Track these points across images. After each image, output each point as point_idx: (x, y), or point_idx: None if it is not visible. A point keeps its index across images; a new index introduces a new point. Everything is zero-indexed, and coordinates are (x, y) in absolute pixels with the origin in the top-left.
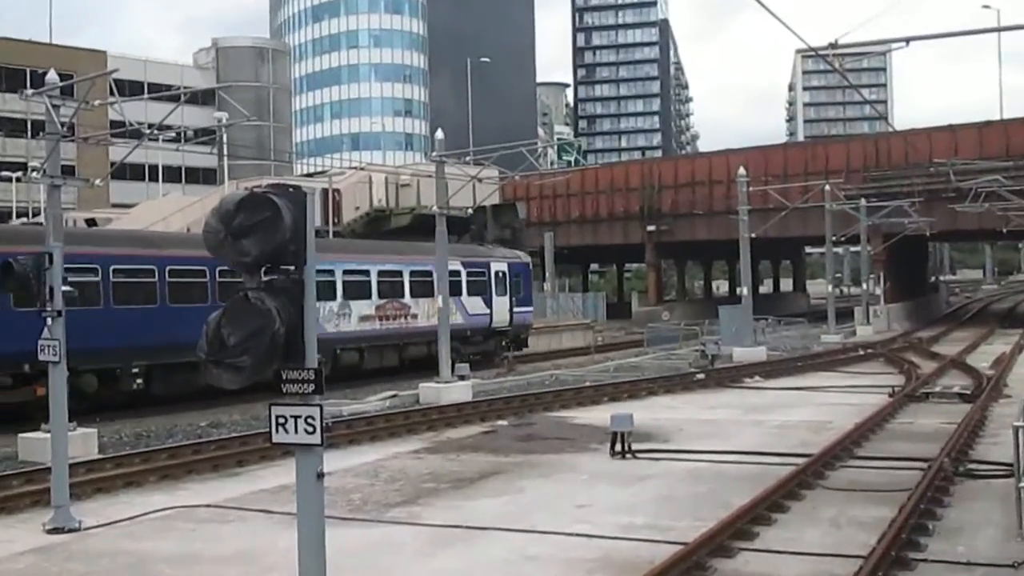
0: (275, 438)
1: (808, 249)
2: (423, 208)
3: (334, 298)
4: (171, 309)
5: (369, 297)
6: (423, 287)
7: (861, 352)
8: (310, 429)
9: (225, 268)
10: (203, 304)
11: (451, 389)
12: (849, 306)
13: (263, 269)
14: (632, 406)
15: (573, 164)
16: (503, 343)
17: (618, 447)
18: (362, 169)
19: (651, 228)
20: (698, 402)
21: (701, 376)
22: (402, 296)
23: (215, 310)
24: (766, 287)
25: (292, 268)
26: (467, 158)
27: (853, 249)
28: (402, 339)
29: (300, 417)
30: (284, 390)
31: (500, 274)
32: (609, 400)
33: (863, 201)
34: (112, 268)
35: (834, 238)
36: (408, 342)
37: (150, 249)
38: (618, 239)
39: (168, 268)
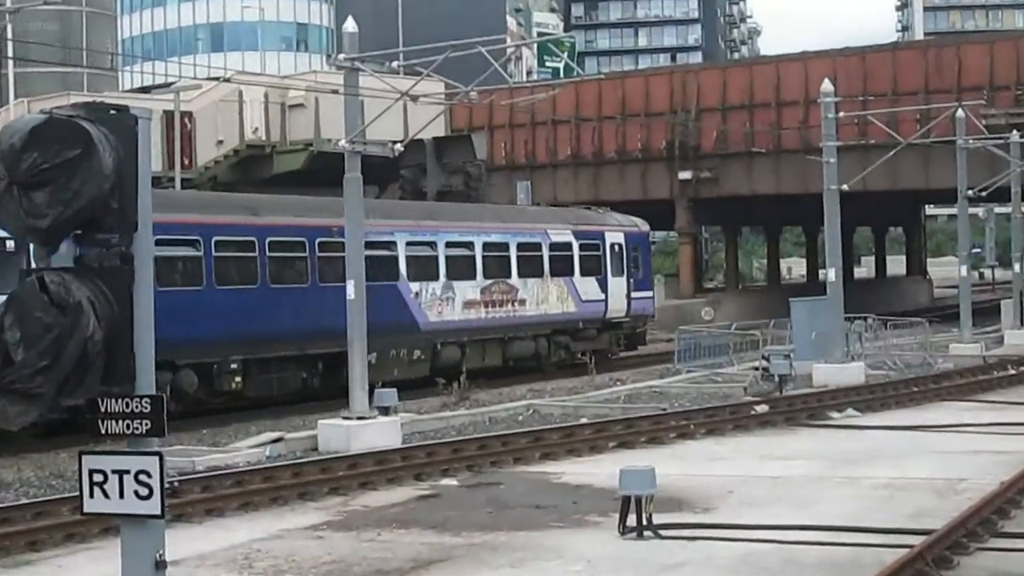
0: (88, 506)
1: (931, 210)
2: (325, 142)
3: (437, 278)
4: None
5: (473, 277)
6: (531, 265)
7: (1012, 370)
8: (144, 492)
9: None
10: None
11: (368, 429)
12: (994, 299)
13: (69, 239)
14: (654, 456)
15: (562, 75)
16: (618, 338)
17: (632, 520)
18: (228, 81)
19: (685, 176)
20: (758, 449)
21: (763, 408)
22: (509, 276)
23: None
24: (865, 269)
25: (115, 236)
26: (394, 63)
27: (1000, 210)
28: (507, 331)
29: (128, 473)
30: (103, 430)
31: (616, 247)
32: (617, 447)
33: (1015, 134)
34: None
35: (971, 192)
36: (514, 335)
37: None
38: (633, 193)
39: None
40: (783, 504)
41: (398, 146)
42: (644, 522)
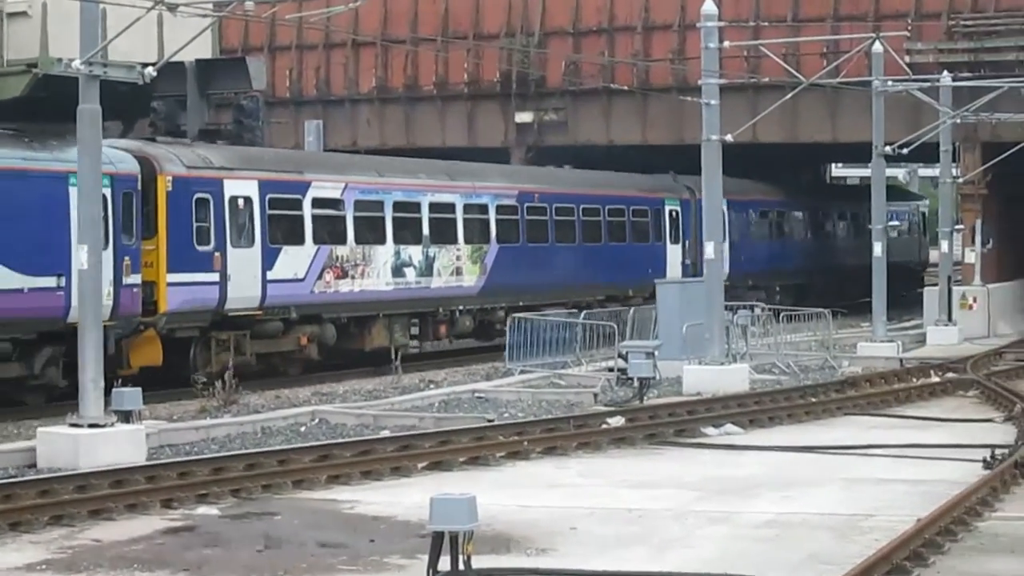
0: None
1: (837, 170)
2: (53, 63)
3: None
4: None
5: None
6: None
7: (936, 377)
8: None
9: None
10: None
11: (103, 440)
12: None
13: None
14: (476, 481)
15: None
16: None
17: (445, 563)
18: None
19: (524, 118)
20: (611, 474)
21: (617, 421)
22: None
23: None
24: None
25: None
26: None
27: (925, 172)
28: None
29: None
30: None
31: None
32: (429, 468)
33: (946, 76)
34: None
35: (889, 149)
36: None
37: None
38: (457, 139)
39: None
40: (640, 545)
41: (150, 70)
42: (461, 566)
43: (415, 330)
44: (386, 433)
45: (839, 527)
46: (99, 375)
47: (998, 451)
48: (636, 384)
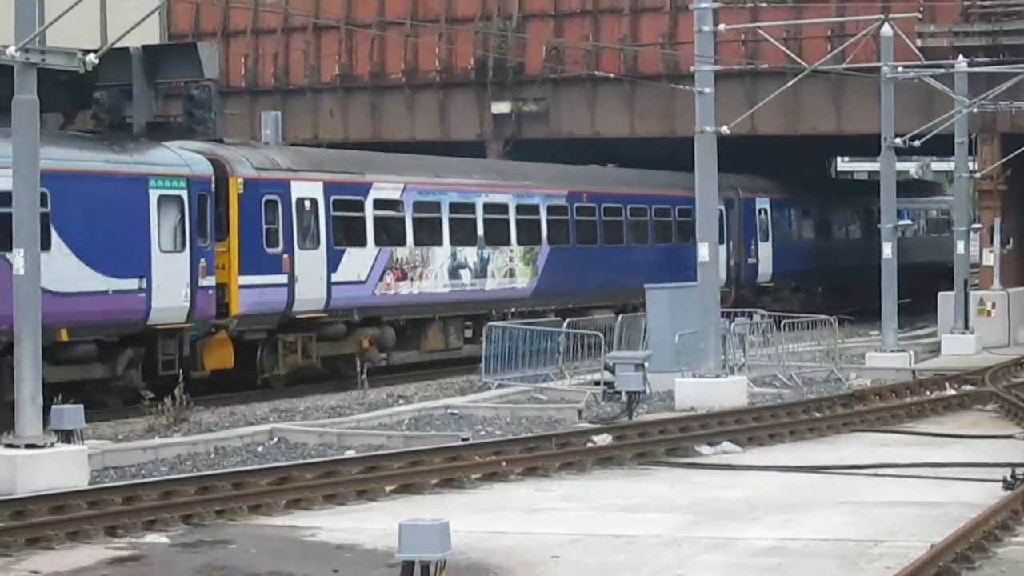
0: None
1: (843, 164)
2: None
3: None
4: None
5: None
6: None
7: (951, 390)
8: None
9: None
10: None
11: (42, 462)
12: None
13: None
14: (449, 505)
15: None
16: None
17: None
18: None
19: (501, 108)
20: (596, 497)
21: (604, 439)
22: None
23: None
24: None
25: None
26: None
27: (939, 167)
28: None
29: None
30: None
31: None
32: (398, 492)
33: (962, 61)
34: None
35: (899, 141)
36: None
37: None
38: (428, 132)
39: None
40: (628, 574)
41: (92, 58)
42: None
43: (468, 332)
44: (351, 453)
45: (846, 554)
46: (37, 390)
47: (1019, 470)
48: (624, 399)
